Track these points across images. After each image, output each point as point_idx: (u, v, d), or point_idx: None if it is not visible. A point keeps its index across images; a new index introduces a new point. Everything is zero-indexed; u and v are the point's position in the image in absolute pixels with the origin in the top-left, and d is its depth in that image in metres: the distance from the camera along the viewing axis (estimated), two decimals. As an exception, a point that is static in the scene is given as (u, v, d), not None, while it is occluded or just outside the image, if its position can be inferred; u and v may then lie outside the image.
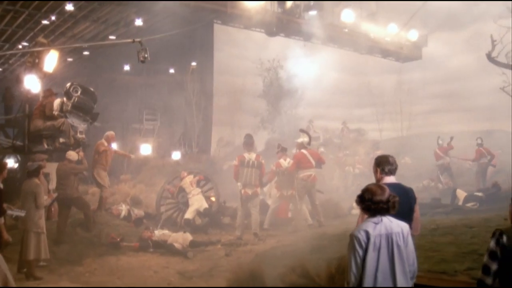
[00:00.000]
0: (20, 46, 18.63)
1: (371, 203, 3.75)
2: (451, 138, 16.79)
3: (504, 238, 3.69)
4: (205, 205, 11.97)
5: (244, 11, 17.19)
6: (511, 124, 18.31)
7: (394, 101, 26.48)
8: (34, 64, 9.72)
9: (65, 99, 9.91)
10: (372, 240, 3.64)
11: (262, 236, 10.74)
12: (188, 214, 11.76)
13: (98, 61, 20.47)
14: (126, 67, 21.49)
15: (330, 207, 12.36)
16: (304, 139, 11.89)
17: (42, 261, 8.39)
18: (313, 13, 18.84)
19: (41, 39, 10.72)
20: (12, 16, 16.27)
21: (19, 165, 11.97)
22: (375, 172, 4.77)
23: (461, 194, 12.68)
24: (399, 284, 3.63)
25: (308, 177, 11.44)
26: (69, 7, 15.62)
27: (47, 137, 10.18)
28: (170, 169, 16.25)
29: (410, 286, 3.75)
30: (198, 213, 11.95)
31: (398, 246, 3.69)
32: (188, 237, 10.32)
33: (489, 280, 3.74)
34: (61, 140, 10.20)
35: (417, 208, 4.79)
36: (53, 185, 10.88)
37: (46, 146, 10.34)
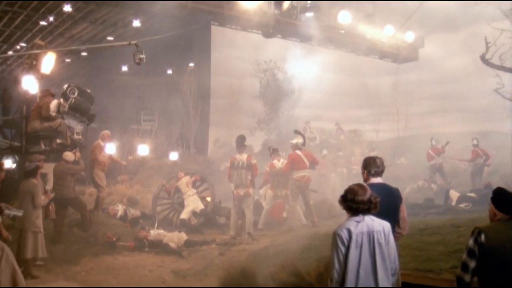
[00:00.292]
0: (18, 47, 18.73)
1: (353, 202, 3.89)
2: (447, 143, 16.86)
3: (482, 237, 3.82)
4: (201, 206, 12.12)
5: (241, 12, 17.27)
6: (506, 126, 18.42)
7: (391, 102, 26.61)
8: (32, 65, 9.84)
9: (62, 100, 10.03)
10: (354, 238, 3.78)
11: (256, 236, 10.86)
12: (184, 215, 11.90)
13: (96, 62, 20.58)
14: (124, 68, 21.54)
15: (324, 207, 12.46)
16: (298, 140, 12.02)
17: (39, 260, 8.51)
18: (309, 14, 18.90)
19: (38, 41, 10.86)
20: (10, 17, 16.35)
21: (17, 166, 12.08)
22: (362, 173, 4.94)
23: (454, 194, 12.81)
24: (380, 280, 3.77)
25: (302, 177, 11.57)
26: (67, 8, 15.63)
27: (44, 138, 10.32)
28: (167, 170, 16.36)
29: (391, 282, 3.89)
30: (194, 213, 12.10)
31: (380, 243, 3.83)
32: (183, 236, 10.46)
33: (467, 277, 3.88)
34: (58, 141, 10.35)
35: (403, 208, 4.92)
36: (50, 185, 10.98)
37: (43, 147, 10.48)
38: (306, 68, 19.83)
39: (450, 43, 25.81)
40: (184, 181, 12.52)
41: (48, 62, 9.77)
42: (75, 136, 10.53)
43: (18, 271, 4.68)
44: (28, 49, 11.51)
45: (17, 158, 12.04)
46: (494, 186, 12.91)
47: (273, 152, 12.42)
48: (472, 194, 12.54)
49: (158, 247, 10.26)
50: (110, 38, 18.89)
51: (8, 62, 22.11)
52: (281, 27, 18.77)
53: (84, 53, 20.29)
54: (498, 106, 17.54)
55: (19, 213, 7.78)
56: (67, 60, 21.01)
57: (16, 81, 10.98)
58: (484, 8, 17.54)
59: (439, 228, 7.23)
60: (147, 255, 10.02)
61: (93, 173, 11.68)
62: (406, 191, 15.92)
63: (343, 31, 20.22)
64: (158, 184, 13.29)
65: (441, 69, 26.30)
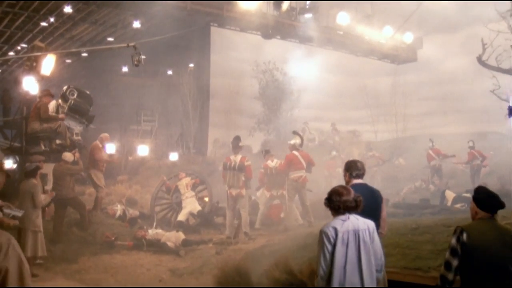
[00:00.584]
0: (19, 48, 18.86)
1: (339, 203, 4.05)
2: (453, 155, 16.96)
3: (464, 236, 3.91)
4: (198, 207, 12.29)
5: (240, 14, 17.37)
6: (503, 126, 18.50)
7: (390, 103, 26.72)
8: (32, 67, 9.99)
9: (60, 101, 10.17)
10: (340, 236, 3.93)
11: (253, 236, 11.00)
12: (181, 217, 12.07)
13: (96, 62, 20.65)
14: (124, 69, 21.58)
15: (321, 207, 12.52)
16: (296, 141, 12.19)
17: (39, 258, 8.62)
18: (308, 15, 19.00)
19: (38, 43, 10.99)
20: (11, 18, 16.49)
21: (18, 166, 12.21)
22: (344, 175, 5.19)
23: (449, 195, 12.90)
24: (365, 276, 3.92)
25: (299, 178, 11.72)
26: (68, 9, 15.76)
27: (44, 139, 10.46)
28: (167, 170, 16.44)
29: (375, 278, 4.05)
30: (191, 215, 12.28)
31: (365, 241, 3.99)
32: (181, 236, 10.61)
33: (450, 276, 3.96)
34: (58, 141, 10.49)
35: (384, 208, 5.15)
36: (50, 185, 11.10)
37: (43, 147, 10.63)
38: (305, 69, 20.00)
39: (448, 44, 25.95)
40: (184, 182, 12.68)
41: (48, 64, 9.90)
42: (75, 137, 10.68)
43: (25, 261, 4.81)
44: (28, 51, 11.63)
45: (17, 158, 12.18)
46: (491, 188, 13.00)
47: (266, 153, 12.70)
48: (468, 195, 12.60)
49: (156, 246, 10.38)
50: (110, 39, 19.02)
51: (9, 63, 22.22)
52: (280, 28, 18.86)
53: (84, 54, 20.40)
54: (495, 107, 17.60)
55: (19, 214, 7.88)
56: (68, 61, 21.15)
57: (17, 82, 11.13)
58: (483, 8, 17.63)
59: (430, 227, 7.35)
60: (145, 254, 10.14)
61: (91, 173, 11.83)
62: (404, 191, 16.06)
63: (341, 32, 20.30)
64: (159, 181, 13.42)
65: (439, 70, 26.43)
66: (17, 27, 17.39)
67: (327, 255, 3.92)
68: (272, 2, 18.22)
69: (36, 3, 15.41)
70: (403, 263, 5.96)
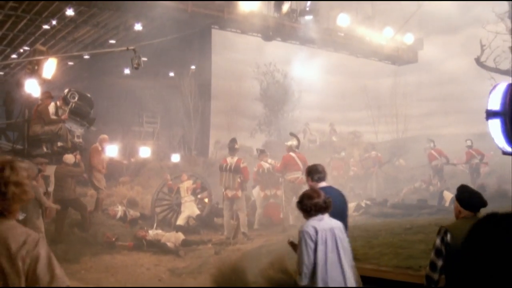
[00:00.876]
0: (21, 50, 19.04)
1: (311, 205, 4.23)
2: (456, 164, 17.06)
3: (448, 236, 3.93)
4: (196, 212, 12.48)
5: (241, 16, 17.51)
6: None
7: (390, 104, 26.70)
8: (34, 70, 10.09)
9: (58, 103, 10.31)
10: (319, 234, 4.11)
11: (251, 236, 11.14)
12: (180, 221, 12.24)
13: (98, 65, 20.78)
14: (126, 71, 21.62)
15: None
16: (293, 142, 12.30)
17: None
18: (309, 17, 19.11)
19: (39, 46, 11.09)
20: (14, 21, 16.68)
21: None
22: (307, 180, 5.28)
23: (448, 195, 12.94)
24: (345, 271, 4.13)
25: (296, 179, 11.82)
26: (70, 12, 15.94)
27: (45, 141, 10.58)
28: (168, 172, 16.51)
29: (354, 272, 4.29)
30: (190, 219, 12.43)
31: (340, 239, 4.21)
32: (181, 236, 10.76)
33: (435, 276, 4.00)
34: (59, 144, 10.60)
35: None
36: (52, 187, 11.24)
37: (45, 149, 10.74)
38: (306, 70, 20.08)
39: (449, 45, 26.00)
40: (186, 185, 12.83)
41: (50, 67, 10.00)
42: (76, 139, 10.79)
43: (53, 257, 4.93)
44: (30, 54, 11.75)
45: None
46: (489, 187, 13.02)
47: (261, 153, 12.94)
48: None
49: (156, 246, 10.52)
50: (112, 41, 19.20)
51: (11, 66, 22.40)
52: (281, 30, 19.00)
53: (86, 56, 20.57)
54: (495, 108, 17.56)
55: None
56: (70, 63, 21.34)
57: (19, 85, 11.24)
58: (483, 9, 17.68)
59: (424, 227, 7.46)
60: (145, 254, 10.28)
61: (91, 175, 11.97)
62: (403, 192, 16.11)
63: (342, 34, 20.42)
64: (161, 181, 13.56)
65: (440, 71, 26.48)
66: (20, 30, 17.58)
67: (310, 253, 4.08)
68: (272, 4, 18.36)
69: (39, 6, 15.59)
70: (395, 262, 6.07)
